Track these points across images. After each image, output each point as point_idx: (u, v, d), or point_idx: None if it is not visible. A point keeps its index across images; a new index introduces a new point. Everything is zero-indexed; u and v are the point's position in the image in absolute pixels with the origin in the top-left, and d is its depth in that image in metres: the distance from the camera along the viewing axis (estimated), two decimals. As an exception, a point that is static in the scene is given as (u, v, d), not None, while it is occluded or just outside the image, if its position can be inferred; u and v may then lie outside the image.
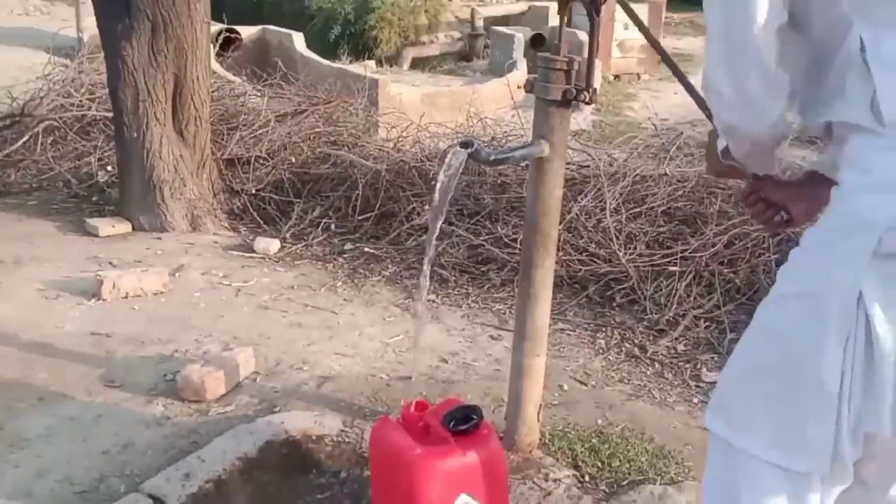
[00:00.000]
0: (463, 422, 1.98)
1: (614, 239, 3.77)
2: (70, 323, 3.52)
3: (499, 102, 8.76)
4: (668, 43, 16.81)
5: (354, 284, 4.04)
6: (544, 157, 2.28)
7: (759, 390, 1.61)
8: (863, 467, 1.63)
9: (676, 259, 3.69)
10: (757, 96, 1.50)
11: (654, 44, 2.23)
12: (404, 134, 5.61)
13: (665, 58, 2.15)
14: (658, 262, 3.71)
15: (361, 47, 14.67)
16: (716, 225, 3.78)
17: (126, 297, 3.76)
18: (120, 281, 3.79)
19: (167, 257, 4.32)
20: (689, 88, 2.04)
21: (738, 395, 1.66)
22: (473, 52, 15.00)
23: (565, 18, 2.28)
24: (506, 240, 4.04)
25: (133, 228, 4.73)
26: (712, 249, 3.68)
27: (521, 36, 11.98)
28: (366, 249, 4.37)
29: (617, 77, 12.90)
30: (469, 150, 2.01)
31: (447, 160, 2.02)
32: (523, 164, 4.71)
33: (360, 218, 4.64)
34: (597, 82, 10.97)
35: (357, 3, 15.85)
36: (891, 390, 1.44)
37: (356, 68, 10.35)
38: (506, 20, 14.92)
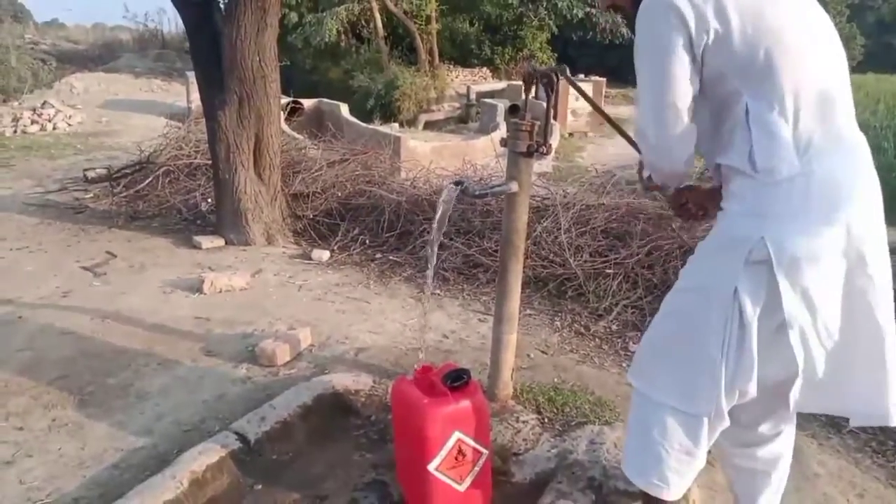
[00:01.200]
0: (457, 379, 1.99)
1: (567, 250, 3.77)
2: (181, 310, 3.53)
3: (486, 153, 8.76)
4: (608, 110, 16.81)
5: (382, 283, 4.05)
6: (514, 193, 2.30)
7: (664, 354, 1.65)
8: (737, 411, 1.65)
9: (611, 264, 3.69)
10: (673, 143, 1.53)
11: (597, 110, 2.24)
12: (419, 175, 5.61)
13: (608, 119, 2.16)
14: (598, 266, 3.71)
15: (388, 113, 14.72)
16: (639, 240, 3.78)
17: (220, 292, 3.77)
18: (216, 280, 3.80)
19: (250, 263, 4.33)
20: (627, 139, 2.06)
21: (649, 358, 1.70)
22: (469, 117, 15.02)
23: (530, 94, 2.30)
24: (489, 250, 4.04)
25: (226, 243, 4.74)
26: (637, 257, 3.68)
27: (501, 105, 12.00)
28: (390, 258, 4.37)
29: (571, 134, 12.91)
30: (460, 188, 2.03)
31: (444, 194, 2.04)
32: (500, 197, 4.75)
33: (386, 235, 4.64)
34: (555, 139, 11.01)
35: (386, 82, 15.90)
36: (755, 358, 1.47)
37: (385, 128, 10.37)
38: (491, 94, 14.97)
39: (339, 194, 5.26)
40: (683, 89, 1.46)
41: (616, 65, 21.93)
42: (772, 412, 1.71)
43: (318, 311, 3.56)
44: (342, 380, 2.69)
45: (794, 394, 1.50)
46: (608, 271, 3.65)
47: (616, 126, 2.17)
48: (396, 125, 13.07)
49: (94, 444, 2.34)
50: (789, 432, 1.77)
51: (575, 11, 18.59)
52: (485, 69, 19.84)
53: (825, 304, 1.43)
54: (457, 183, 2.02)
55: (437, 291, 3.85)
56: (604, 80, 14.49)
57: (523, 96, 2.33)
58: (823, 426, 2.68)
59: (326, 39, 17.69)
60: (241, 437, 2.31)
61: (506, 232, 2.37)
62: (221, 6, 4.92)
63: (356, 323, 3.42)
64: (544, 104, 2.19)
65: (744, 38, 1.40)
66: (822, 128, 1.42)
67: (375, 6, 18.32)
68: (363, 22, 19.47)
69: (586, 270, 3.69)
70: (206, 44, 4.73)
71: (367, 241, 4.64)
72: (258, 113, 4.73)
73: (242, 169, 4.75)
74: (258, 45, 4.66)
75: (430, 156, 8.02)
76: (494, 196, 2.47)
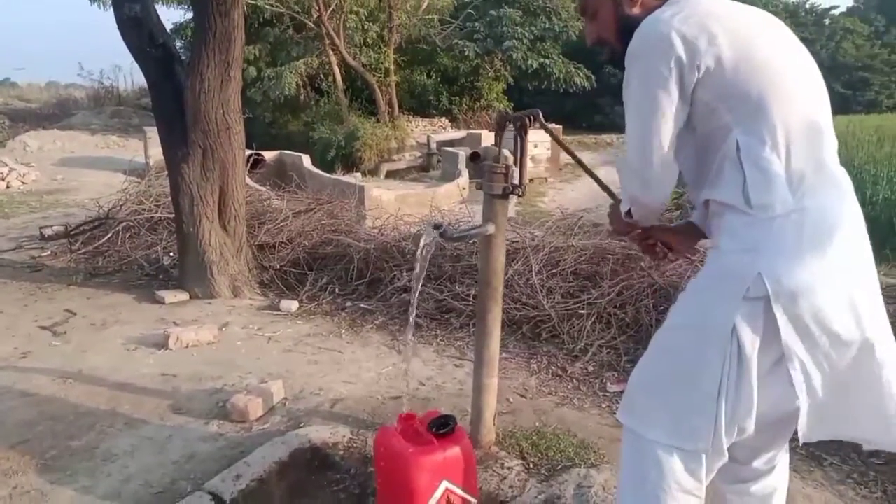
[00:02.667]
0: (443, 426, 1.94)
1: (539, 292, 3.76)
2: (145, 367, 3.40)
3: (451, 199, 8.84)
4: (565, 157, 17.17)
5: (354, 332, 3.97)
6: (491, 235, 2.29)
7: (659, 392, 1.60)
8: (733, 447, 1.63)
9: (584, 305, 3.69)
10: (659, 177, 1.53)
11: (569, 153, 2.25)
12: (385, 223, 5.59)
13: (579, 162, 2.17)
14: (571, 307, 3.70)
15: (350, 163, 14.78)
16: (610, 279, 3.80)
17: (187, 347, 3.65)
18: (182, 334, 3.69)
19: (216, 317, 4.22)
20: (598, 181, 2.08)
21: (642, 396, 1.65)
22: (430, 165, 15.19)
23: (500, 138, 2.31)
24: (462, 295, 4.02)
25: (190, 297, 4.62)
26: (608, 297, 3.69)
27: (463, 153, 12.14)
28: (361, 305, 4.31)
29: (531, 180, 13.10)
30: (439, 231, 2.01)
31: (423, 238, 2.02)
32: (474, 241, 4.75)
33: (355, 283, 4.59)
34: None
35: (347, 133, 16.03)
36: (755, 394, 1.45)
37: (348, 178, 10.40)
38: (451, 142, 15.16)
39: (306, 244, 5.20)
40: (671, 126, 1.47)
41: (571, 112, 22.58)
42: (768, 446, 1.68)
43: (290, 363, 3.47)
44: (319, 433, 2.60)
45: (802, 426, 1.46)
46: (581, 312, 3.65)
47: (587, 169, 2.19)
48: (359, 175, 13.10)
49: (58, 513, 2.21)
50: (783, 465, 1.75)
51: (530, 62, 19.09)
52: (444, 119, 20.13)
53: (823, 335, 1.41)
54: (436, 226, 2.00)
55: (411, 339, 3.78)
56: (560, 127, 14.80)
57: (488, 143, 2.33)
58: (804, 459, 2.68)
59: (286, 93, 17.79)
60: (216, 498, 2.20)
61: (483, 274, 2.35)
62: (183, 59, 4.90)
63: (330, 373, 3.33)
64: (507, 151, 2.19)
65: (736, 73, 1.41)
66: (813, 163, 1.43)
67: (334, 60, 18.55)
68: (322, 75, 19.67)
69: (559, 312, 3.67)
70: (169, 97, 4.69)
71: (337, 290, 4.58)
72: (222, 164, 4.69)
73: (207, 221, 4.67)
74: (222, 98, 4.64)
75: (395, 204, 8.03)
76: (472, 239, 2.46)
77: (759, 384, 1.44)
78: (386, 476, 1.98)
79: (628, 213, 1.69)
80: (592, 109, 23.84)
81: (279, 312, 4.31)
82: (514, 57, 19.08)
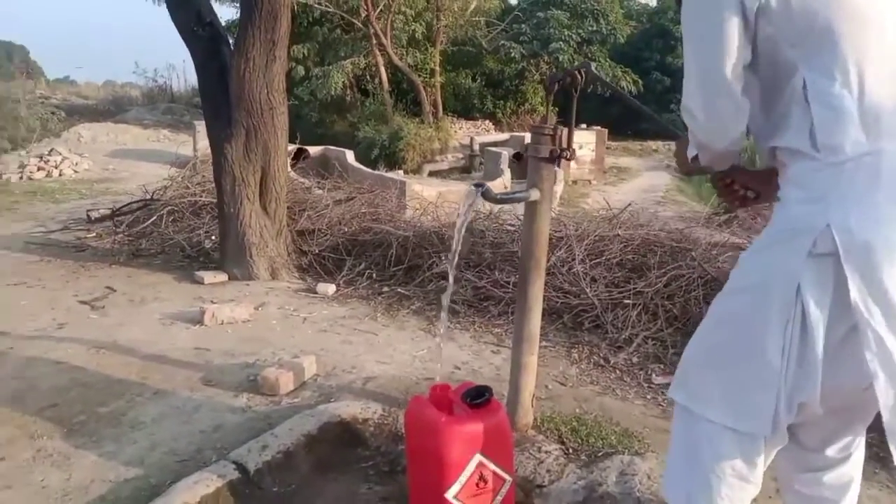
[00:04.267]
0: (478, 397, 1.81)
1: (582, 280, 3.61)
2: (180, 341, 3.35)
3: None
4: (610, 161, 16.89)
5: (390, 315, 3.87)
6: (536, 202, 2.15)
7: (715, 366, 1.44)
8: (801, 431, 1.46)
9: (630, 294, 3.52)
10: (725, 119, 1.38)
11: (626, 99, 2.11)
12: (426, 212, 5.49)
13: (636, 106, 2.03)
14: (616, 297, 3.54)
15: (393, 163, 14.74)
16: (658, 270, 3.62)
17: (222, 324, 3.59)
18: (218, 311, 3.63)
19: (253, 297, 4.16)
20: (657, 121, 1.92)
21: (696, 370, 1.49)
22: (472, 167, 15.08)
23: (550, 100, 2.17)
24: (501, 282, 3.88)
25: (229, 278, 4.58)
26: (655, 287, 3.51)
27: (506, 153, 12.00)
28: (398, 290, 4.20)
29: (574, 182, 12.89)
30: (481, 189, 1.89)
31: (464, 195, 1.90)
32: (509, 226, 4.62)
33: (393, 269, 4.49)
34: (560, 185, 10.89)
35: (391, 133, 16.02)
36: (819, 368, 1.28)
37: (390, 174, 10.33)
38: (494, 145, 15.02)
39: (346, 230, 5.12)
40: (736, 55, 1.31)
41: (617, 118, 22.20)
42: (843, 432, 1.50)
43: (324, 341, 3.38)
44: (350, 408, 2.50)
45: (886, 413, 1.26)
46: (626, 302, 3.48)
47: (643, 108, 2.03)
48: (401, 172, 13.06)
49: (81, 475, 2.14)
50: (859, 455, 1.57)
51: (576, 62, 18.85)
52: (487, 122, 20.03)
53: None
54: (477, 185, 1.88)
55: (447, 324, 3.67)
56: (605, 130, 14.54)
57: (546, 102, 2.19)
58: (868, 460, 2.46)
59: (332, 92, 17.90)
60: (240, 467, 2.11)
61: (526, 243, 2.22)
62: (230, 40, 4.89)
63: (363, 353, 3.23)
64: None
65: (802, 1, 1.26)
66: (891, 103, 1.26)
67: (381, 60, 18.61)
68: (368, 76, 19.76)
69: (603, 301, 3.51)
70: (215, 77, 4.67)
71: (374, 276, 4.49)
72: (265, 146, 4.64)
73: (248, 202, 4.63)
74: (266, 78, 4.60)
75: (435, 199, 7.91)
76: (516, 202, 2.33)
77: (829, 356, 1.27)
78: (416, 447, 1.86)
79: (695, 158, 1.52)
80: (638, 116, 23.39)
81: (316, 295, 4.23)
82: (561, 59, 18.87)
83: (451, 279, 1.93)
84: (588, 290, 3.54)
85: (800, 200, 1.31)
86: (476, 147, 15.25)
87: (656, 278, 3.57)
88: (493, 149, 12.90)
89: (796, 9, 1.26)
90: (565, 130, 2.10)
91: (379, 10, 17.95)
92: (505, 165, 11.39)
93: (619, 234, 3.98)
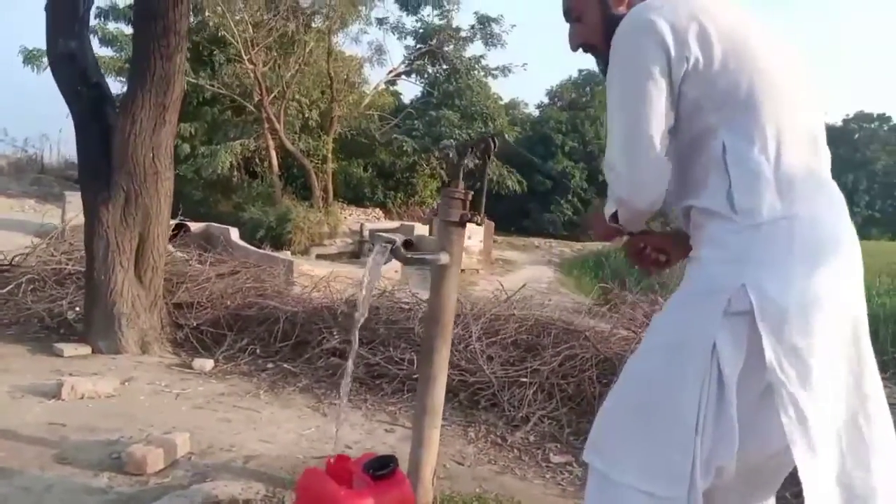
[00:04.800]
0: (381, 468, 1.65)
1: (479, 357, 3.53)
2: (31, 416, 2.93)
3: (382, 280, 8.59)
4: (496, 253, 17.33)
5: (274, 393, 3.60)
6: (445, 266, 2.08)
7: (630, 427, 1.36)
8: (717, 496, 1.41)
9: (526, 373, 3.47)
10: (648, 179, 1.37)
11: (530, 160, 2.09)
12: (316, 288, 5.30)
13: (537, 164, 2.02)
14: (512, 375, 3.47)
15: (280, 244, 14.41)
16: (552, 349, 3.61)
17: (82, 398, 3.20)
18: (77, 385, 3.24)
19: (120, 371, 3.76)
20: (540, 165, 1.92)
21: (611, 433, 1.41)
22: (362, 252, 15.00)
23: (461, 167, 2.15)
24: (395, 359, 3.74)
25: (93, 351, 4.14)
26: (550, 366, 3.49)
27: (397, 238, 12.00)
28: (284, 366, 3.95)
29: (463, 270, 13.05)
30: (392, 245, 1.80)
31: (374, 251, 1.80)
32: (403, 303, 4.51)
33: (280, 345, 4.23)
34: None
35: (279, 214, 15.76)
36: (736, 429, 1.23)
37: (277, 253, 10.04)
38: (385, 232, 15.09)
39: (229, 304, 4.83)
40: (660, 117, 1.33)
41: (502, 215, 23.08)
42: (753, 497, 1.47)
43: (199, 419, 3.07)
44: (228, 488, 2.23)
45: (805, 481, 1.22)
46: (523, 380, 3.42)
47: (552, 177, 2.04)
48: (288, 253, 12.75)
49: None
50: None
51: (466, 162, 19.53)
52: (378, 210, 20.19)
53: (816, 365, 1.23)
54: (388, 241, 1.79)
55: (337, 402, 3.46)
56: (493, 223, 15.00)
57: (454, 172, 2.17)
58: None
59: (219, 171, 17.53)
60: (94, 557, 1.80)
61: (433, 308, 2.12)
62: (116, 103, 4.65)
63: (244, 431, 2.95)
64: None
65: (725, 68, 1.30)
66: (805, 170, 1.30)
67: (272, 144, 18.52)
68: (258, 159, 19.56)
69: (500, 379, 3.44)
70: (96, 138, 4.39)
71: (258, 351, 4.20)
72: (146, 211, 4.36)
73: (121, 269, 4.28)
74: (153, 141, 4.38)
75: (326, 276, 7.73)
76: (424, 264, 2.25)
77: (746, 418, 1.24)
78: (310, 525, 1.66)
79: (614, 216, 1.50)
80: (521, 214, 24.47)
81: (191, 371, 3.89)
82: (451, 155, 19.50)
83: (354, 341, 1.80)
84: (485, 368, 3.46)
85: (716, 260, 1.31)
86: (366, 233, 15.25)
87: (551, 357, 3.55)
88: (385, 234, 12.88)
89: (720, 77, 1.30)
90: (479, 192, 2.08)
91: (273, 95, 18.02)
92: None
93: (514, 314, 3.97)
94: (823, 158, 1.38)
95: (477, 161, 2.18)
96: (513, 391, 3.40)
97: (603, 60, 1.52)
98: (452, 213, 2.06)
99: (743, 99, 1.30)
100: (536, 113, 31.30)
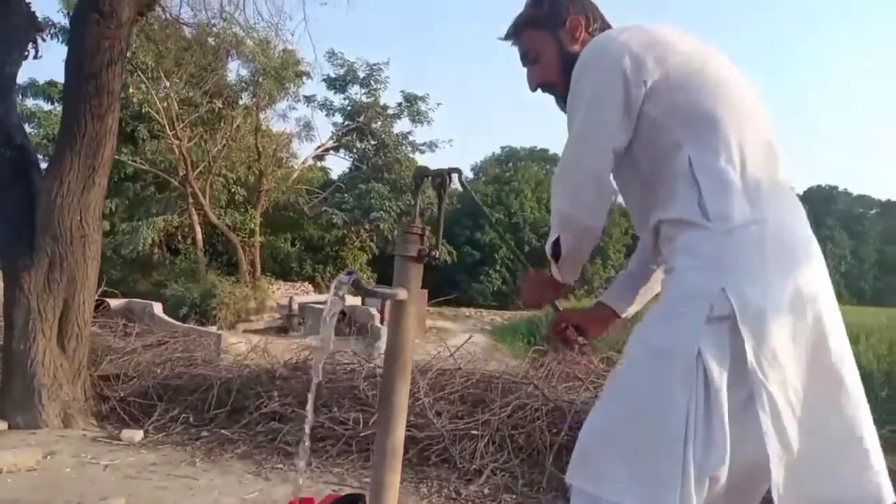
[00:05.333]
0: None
1: (428, 412, 3.46)
2: (-63, 493, 2.68)
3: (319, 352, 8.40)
4: (428, 322, 17.25)
5: (211, 461, 3.41)
6: (402, 302, 2.06)
7: (616, 442, 1.34)
8: None
9: (477, 425, 3.41)
10: (592, 195, 1.42)
11: (484, 213, 2.13)
12: (251, 352, 5.14)
13: (486, 215, 2.06)
14: (462, 428, 3.41)
15: (205, 321, 13.92)
16: (500, 399, 3.58)
17: (1, 472, 2.95)
18: (-6, 458, 2.99)
19: (40, 446, 3.48)
20: (500, 234, 1.97)
21: (596, 449, 1.38)
22: (290, 326, 14.64)
23: (417, 198, 2.16)
24: (340, 419, 3.62)
25: (9, 427, 3.84)
26: (500, 417, 3.45)
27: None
28: (221, 432, 3.75)
29: (395, 342, 12.92)
30: (352, 277, 1.78)
31: (334, 283, 1.77)
32: (345, 362, 4.41)
33: (214, 412, 4.04)
34: (384, 338, 10.90)
35: (203, 291, 15.30)
36: (727, 435, 1.24)
37: (203, 328, 9.68)
38: (316, 304, 14.86)
39: (158, 372, 4.60)
40: (613, 135, 1.40)
41: (431, 285, 23.16)
42: None
43: (133, 487, 2.87)
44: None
45: (776, 483, 1.26)
46: (474, 432, 3.36)
47: (492, 224, 2.10)
48: (214, 327, 12.32)
49: None
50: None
51: (396, 233, 19.66)
52: (307, 284, 19.90)
53: (792, 367, 1.27)
54: (348, 273, 1.77)
55: (280, 465, 3.31)
56: (426, 291, 15.02)
57: (413, 200, 2.18)
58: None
59: (140, 248, 16.99)
60: None
61: (391, 347, 2.07)
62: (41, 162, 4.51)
63: (183, 499, 2.77)
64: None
65: (688, 87, 1.38)
66: (768, 179, 1.37)
67: (196, 218, 18.16)
68: (181, 235, 19.11)
69: (450, 433, 3.37)
70: (19, 202, 4.22)
71: (191, 419, 3.99)
72: (71, 276, 4.18)
73: (43, 338, 4.05)
74: (81, 203, 4.25)
75: (258, 348, 7.49)
76: (381, 298, 2.22)
77: (733, 424, 1.25)
78: (272, 572, 1.55)
79: (556, 244, 1.52)
80: (450, 285, 24.59)
81: (119, 442, 3.65)
82: (382, 227, 19.62)
83: (315, 380, 1.74)
84: (435, 422, 3.39)
85: (693, 268, 1.35)
86: (295, 307, 14.93)
87: (500, 408, 3.52)
88: (317, 305, 12.72)
89: (682, 96, 1.38)
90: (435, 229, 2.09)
91: (199, 170, 17.80)
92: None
93: (460, 368, 3.94)
94: (782, 166, 1.45)
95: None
96: (464, 444, 3.34)
97: (560, 98, 1.61)
98: (410, 249, 2.05)
99: (706, 115, 1.37)
100: (461, 188, 31.99)
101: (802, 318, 1.30)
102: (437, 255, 2.07)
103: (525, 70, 1.69)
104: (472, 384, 3.85)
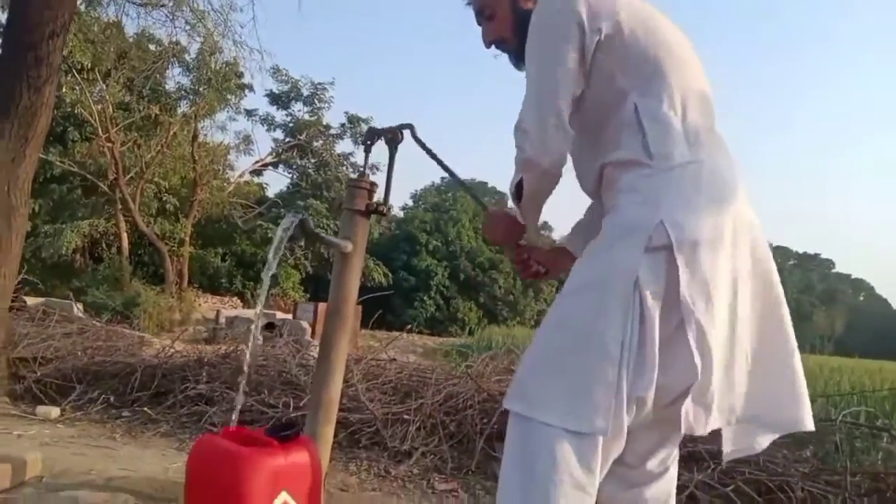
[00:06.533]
0: (286, 429, 1.58)
1: (362, 396, 3.45)
2: None
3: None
4: (361, 343, 17.08)
5: (132, 437, 3.30)
6: (347, 255, 2.09)
7: (555, 369, 1.42)
8: (627, 447, 1.47)
9: (409, 411, 3.42)
10: (553, 136, 1.50)
11: (440, 164, 2.18)
12: (178, 339, 4.99)
13: (446, 169, 2.13)
14: (396, 412, 3.42)
15: (126, 328, 13.40)
16: (433, 388, 3.60)
17: None
18: None
19: (-55, 417, 3.32)
20: (458, 180, 2.05)
21: (535, 377, 1.45)
22: (216, 339, 14.23)
23: (368, 155, 2.20)
24: (269, 402, 3.56)
25: None
26: (432, 404, 3.46)
27: (259, 321, 11.59)
28: (144, 410, 3.64)
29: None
30: (300, 217, 1.80)
31: (283, 221, 1.79)
32: (277, 352, 4.35)
33: (137, 394, 3.91)
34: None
35: (126, 299, 14.77)
36: (656, 359, 1.34)
37: (125, 330, 9.32)
38: (245, 318, 14.52)
39: (79, 354, 4.44)
40: (570, 81, 1.49)
41: (365, 309, 22.98)
42: (660, 446, 1.55)
43: (50, 453, 2.73)
44: (93, 497, 2.00)
45: (688, 406, 1.37)
46: (406, 417, 3.37)
47: (454, 175, 2.16)
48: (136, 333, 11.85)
49: None
50: (675, 469, 1.61)
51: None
52: (235, 299, 19.44)
53: (720, 299, 1.37)
54: (297, 213, 1.79)
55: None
56: (361, 307, 14.87)
57: (365, 157, 2.21)
58: None
59: (63, 252, 16.29)
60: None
61: (333, 300, 2.10)
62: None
63: (102, 462, 2.67)
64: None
65: (636, 39, 1.48)
66: (705, 126, 1.49)
67: (123, 226, 17.59)
68: (105, 244, 18.42)
69: (383, 416, 3.37)
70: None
71: (112, 400, 3.85)
72: (-8, 245, 4.01)
73: (-45, 309, 3.87)
74: (10, 175, 4.12)
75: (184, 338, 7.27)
76: (327, 245, 2.22)
77: (663, 350, 1.34)
78: (205, 490, 1.53)
79: (519, 185, 1.59)
80: (385, 308, 24.50)
81: (34, 417, 3.50)
82: (318, 245, 19.40)
83: (256, 328, 1.75)
84: (369, 405, 3.38)
85: (633, 203, 1.44)
86: (222, 320, 14.52)
87: (433, 395, 3.54)
88: (245, 316, 12.44)
89: (632, 48, 1.49)
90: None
91: (130, 176, 17.29)
92: (257, 332, 10.95)
93: (395, 359, 3.95)
94: (714, 114, 1.57)
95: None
96: (395, 428, 3.34)
97: (514, 54, 1.70)
98: (358, 203, 2.10)
99: (652, 65, 1.49)
100: (401, 214, 32.17)
101: (741, 245, 1.42)
102: (384, 211, 2.13)
103: (480, 28, 1.78)
104: (405, 375, 3.87)
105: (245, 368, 1.85)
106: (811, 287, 58.50)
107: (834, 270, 66.79)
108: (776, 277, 1.48)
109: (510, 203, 1.70)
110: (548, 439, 1.36)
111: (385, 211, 2.12)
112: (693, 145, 1.45)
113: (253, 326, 1.95)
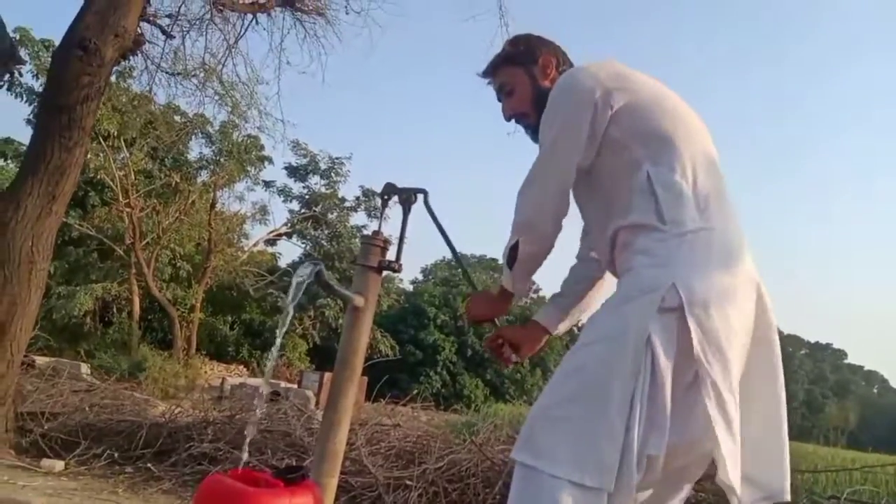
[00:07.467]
0: (292, 472, 1.61)
1: (365, 459, 3.44)
2: None
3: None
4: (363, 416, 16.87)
5: (134, 492, 3.30)
6: (358, 309, 2.17)
7: (563, 420, 1.45)
8: (641, 494, 1.50)
9: (412, 476, 3.40)
10: (552, 200, 1.62)
11: (444, 236, 2.27)
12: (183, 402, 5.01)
13: (447, 242, 2.22)
14: (398, 476, 3.40)
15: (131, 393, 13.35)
16: (436, 454, 3.59)
17: None
18: None
19: (-49, 465, 3.34)
20: (455, 254, 2.15)
21: (543, 426, 1.48)
22: (220, 407, 14.13)
23: (384, 211, 2.30)
24: (272, 464, 3.56)
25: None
26: (435, 470, 3.45)
27: (263, 390, 11.53)
28: (147, 467, 3.64)
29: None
30: (317, 267, 1.88)
31: (299, 269, 1.87)
32: (280, 416, 4.35)
33: (141, 451, 3.91)
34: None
35: (132, 363, 14.76)
36: (668, 417, 1.38)
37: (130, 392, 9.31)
38: (252, 387, 14.44)
39: (87, 409, 4.46)
40: (577, 154, 1.60)
41: (371, 381, 22.75)
42: (670, 495, 1.57)
43: (53, 502, 2.76)
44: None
45: (723, 468, 1.37)
46: (408, 482, 3.35)
47: (453, 249, 2.24)
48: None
49: None
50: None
51: (340, 321, 19.53)
52: (241, 367, 19.34)
53: (733, 357, 1.43)
54: (315, 262, 1.88)
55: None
56: (366, 378, 14.76)
57: (380, 213, 2.31)
58: None
59: (76, 313, 16.40)
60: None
61: (343, 352, 2.15)
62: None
63: (105, 515, 2.68)
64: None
65: (650, 112, 1.59)
66: (714, 192, 1.58)
67: (136, 290, 17.75)
68: (115, 308, 18.53)
69: (386, 480, 3.35)
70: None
71: (117, 456, 3.85)
72: (13, 300, 4.12)
73: (-31, 362, 3.94)
74: (35, 230, 4.27)
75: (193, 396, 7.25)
76: (341, 297, 2.27)
77: (676, 408, 1.37)
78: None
79: (514, 248, 1.68)
80: (390, 383, 24.22)
81: (38, 469, 3.51)
82: (327, 314, 19.46)
83: (274, 352, 1.81)
84: (371, 469, 3.37)
85: (648, 265, 1.51)
86: (227, 388, 14.44)
87: (436, 460, 3.53)
88: (250, 385, 12.38)
89: (643, 118, 1.60)
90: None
91: (146, 241, 17.59)
92: (261, 402, 10.87)
93: (399, 424, 3.95)
94: (723, 178, 1.66)
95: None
96: (398, 494, 3.32)
97: (531, 129, 1.82)
98: (371, 259, 2.18)
99: (663, 136, 1.59)
100: (410, 288, 32.30)
101: (749, 300, 1.49)
102: (397, 268, 2.22)
103: (500, 104, 1.91)
104: (409, 441, 3.86)
105: (253, 416, 1.89)
106: (823, 378, 57.45)
107: (846, 361, 65.65)
108: (777, 349, 1.54)
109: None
110: (553, 491, 1.37)
111: (397, 268, 2.21)
112: (703, 211, 1.53)
113: (261, 386, 1.99)
